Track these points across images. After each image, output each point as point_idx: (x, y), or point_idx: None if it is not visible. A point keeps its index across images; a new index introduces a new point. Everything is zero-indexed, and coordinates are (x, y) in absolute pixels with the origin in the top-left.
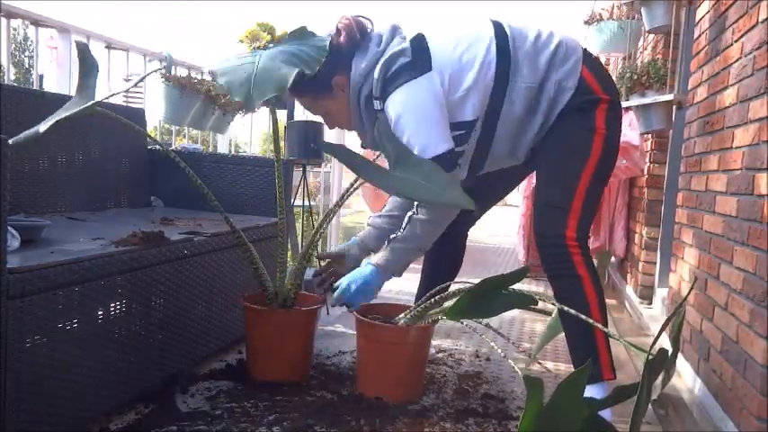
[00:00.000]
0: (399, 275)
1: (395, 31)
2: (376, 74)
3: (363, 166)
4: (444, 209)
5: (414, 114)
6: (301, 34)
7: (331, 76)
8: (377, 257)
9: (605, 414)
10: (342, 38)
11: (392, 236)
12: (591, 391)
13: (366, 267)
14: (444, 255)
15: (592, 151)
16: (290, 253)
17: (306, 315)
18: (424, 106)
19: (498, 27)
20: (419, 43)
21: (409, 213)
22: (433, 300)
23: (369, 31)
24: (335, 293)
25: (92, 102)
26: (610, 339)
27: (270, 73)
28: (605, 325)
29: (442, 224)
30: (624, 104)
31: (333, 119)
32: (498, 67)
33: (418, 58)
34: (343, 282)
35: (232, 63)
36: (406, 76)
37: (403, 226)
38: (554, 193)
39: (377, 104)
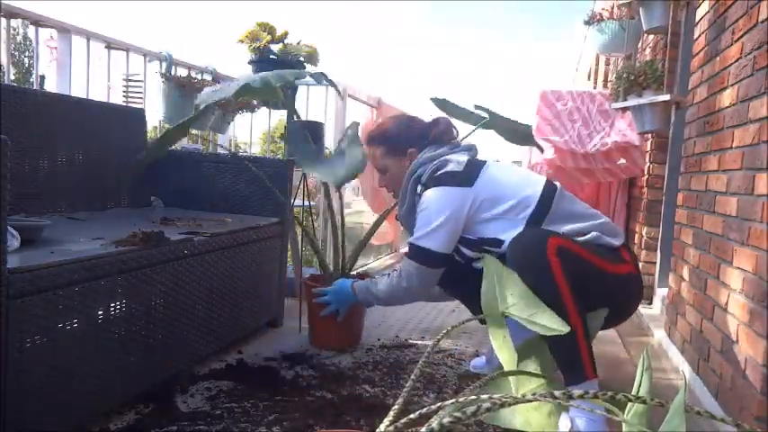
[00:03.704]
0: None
1: (471, 148)
2: (432, 165)
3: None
4: (422, 288)
5: (437, 210)
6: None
7: (410, 144)
8: (359, 283)
9: (598, 425)
10: (439, 128)
11: (378, 277)
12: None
13: (348, 287)
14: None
15: (610, 263)
16: (289, 253)
17: None
18: (447, 211)
19: (549, 182)
20: (477, 163)
21: (397, 268)
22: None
23: (455, 137)
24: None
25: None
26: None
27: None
28: (584, 321)
29: (408, 296)
30: (621, 105)
31: (388, 179)
32: (535, 212)
33: (467, 173)
34: (327, 297)
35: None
36: (450, 182)
37: (390, 276)
38: None
39: (419, 189)
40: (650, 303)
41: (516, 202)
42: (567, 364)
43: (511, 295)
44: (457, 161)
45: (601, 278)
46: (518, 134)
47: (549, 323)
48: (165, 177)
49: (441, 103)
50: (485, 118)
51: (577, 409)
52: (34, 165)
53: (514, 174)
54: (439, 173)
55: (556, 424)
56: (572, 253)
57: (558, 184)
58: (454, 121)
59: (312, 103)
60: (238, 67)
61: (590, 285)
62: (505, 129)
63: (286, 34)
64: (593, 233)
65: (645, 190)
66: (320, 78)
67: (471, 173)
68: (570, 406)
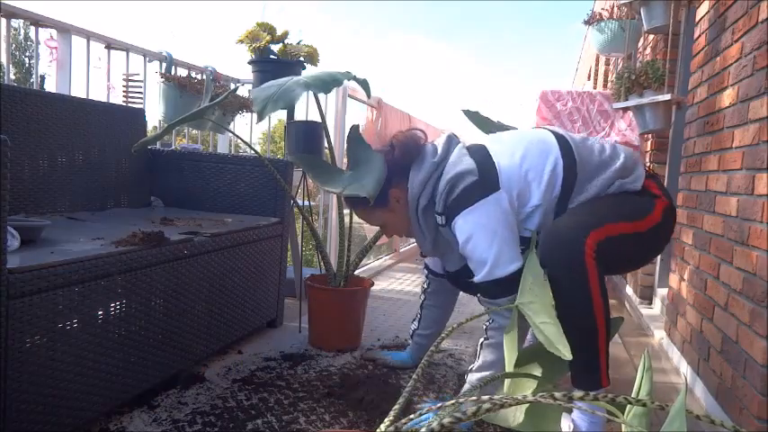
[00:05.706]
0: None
1: (451, 141)
2: (441, 186)
3: (317, 168)
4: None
5: (484, 234)
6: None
7: (388, 188)
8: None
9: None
10: (396, 152)
11: (469, 368)
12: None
13: None
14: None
15: (645, 219)
16: (289, 253)
17: (356, 294)
18: (495, 226)
19: (561, 140)
20: (485, 160)
21: (480, 340)
22: None
23: (423, 143)
24: None
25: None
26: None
27: (287, 92)
28: (608, 326)
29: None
30: (622, 105)
31: (391, 228)
32: (564, 185)
33: (486, 176)
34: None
35: (265, 86)
36: (476, 196)
37: (477, 354)
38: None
39: (440, 219)
40: (650, 303)
41: (546, 181)
42: (584, 369)
43: (529, 291)
44: (466, 169)
45: (641, 243)
46: None
47: (555, 340)
48: (165, 177)
49: (471, 116)
50: (515, 129)
51: (579, 410)
52: (34, 165)
53: (521, 143)
54: (458, 192)
55: (556, 424)
56: (611, 241)
57: (562, 133)
58: (479, 132)
59: (311, 103)
60: (238, 67)
61: (634, 256)
62: None
63: (286, 34)
64: (616, 183)
65: None
66: (367, 86)
67: (489, 172)
68: (573, 407)
